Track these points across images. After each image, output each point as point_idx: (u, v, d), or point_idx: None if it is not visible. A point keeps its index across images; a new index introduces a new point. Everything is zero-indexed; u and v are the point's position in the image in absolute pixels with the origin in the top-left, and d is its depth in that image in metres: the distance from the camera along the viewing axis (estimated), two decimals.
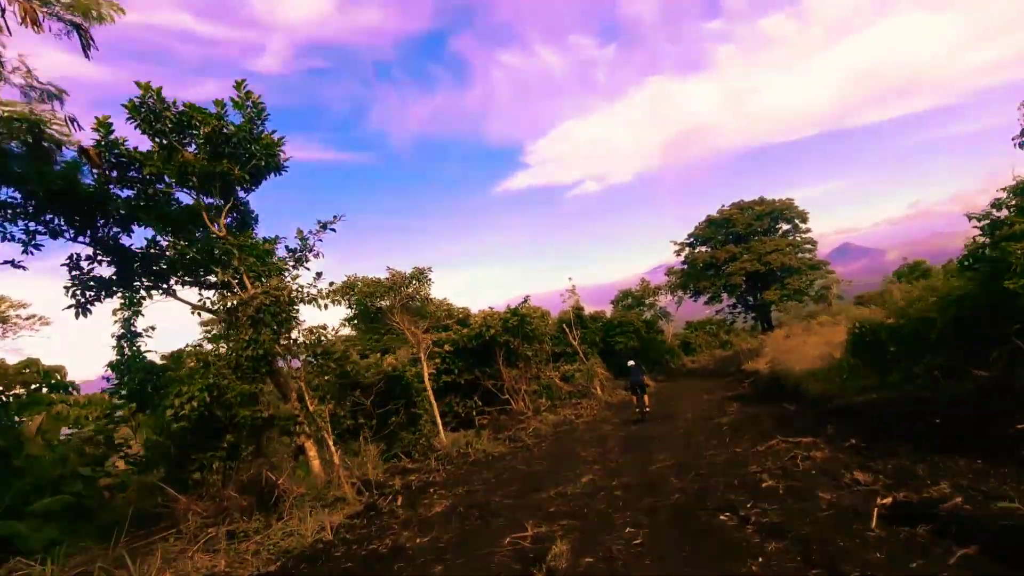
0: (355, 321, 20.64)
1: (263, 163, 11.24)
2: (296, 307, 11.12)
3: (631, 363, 20.41)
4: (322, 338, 11.74)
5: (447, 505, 10.18)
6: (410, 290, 20.13)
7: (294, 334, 11.44)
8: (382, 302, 20.08)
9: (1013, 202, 7.81)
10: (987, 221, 9.05)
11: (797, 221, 39.46)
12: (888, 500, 5.89)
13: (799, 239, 39.13)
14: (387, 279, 19.93)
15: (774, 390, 19.32)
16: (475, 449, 17.08)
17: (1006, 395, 8.42)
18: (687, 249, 42.61)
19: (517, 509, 9.12)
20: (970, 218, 9.32)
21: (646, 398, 18.56)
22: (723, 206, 41.57)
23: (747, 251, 37.76)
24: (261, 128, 11.33)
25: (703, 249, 40.78)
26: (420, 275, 20.34)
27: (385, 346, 28.28)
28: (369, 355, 21.49)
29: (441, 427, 19.23)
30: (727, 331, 70.18)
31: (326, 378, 11.18)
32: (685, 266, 43.07)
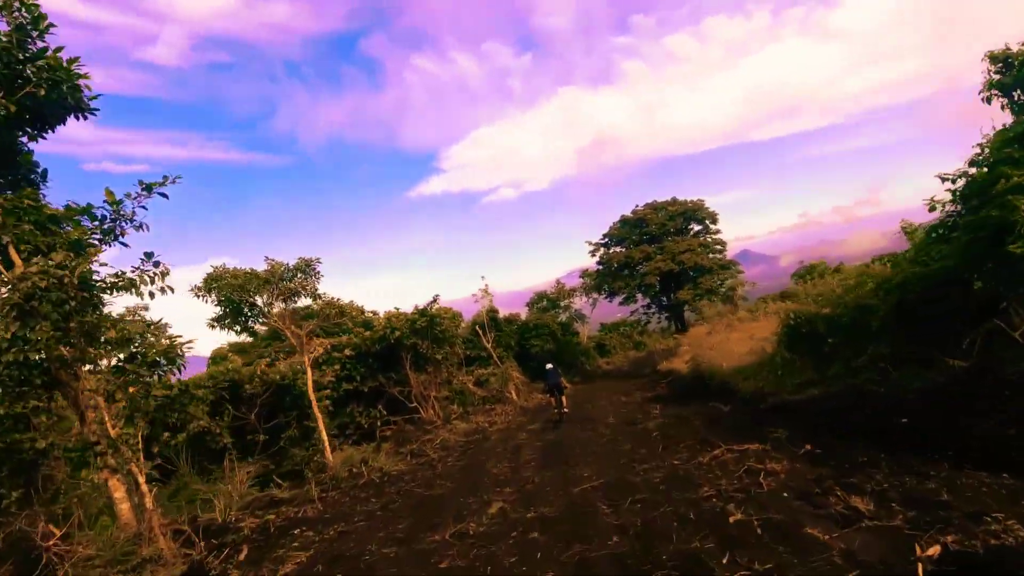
0: (226, 321, 17.21)
1: (46, 94, 8.03)
2: (97, 294, 8.05)
3: (549, 366, 20.38)
4: (144, 337, 8.68)
5: (302, 562, 7.48)
6: (292, 284, 17.03)
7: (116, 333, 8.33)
8: (257, 298, 16.81)
9: (1008, 151, 6.56)
10: (961, 182, 7.86)
11: (708, 222, 39.78)
12: (935, 550, 4.01)
13: (710, 240, 39.44)
14: (264, 271, 16.70)
15: (698, 389, 18.11)
16: (370, 468, 14.39)
17: (985, 385, 7.08)
18: (602, 249, 41.85)
19: (398, 564, 6.68)
20: (943, 179, 8.11)
21: (564, 399, 18.39)
22: (637, 206, 41.28)
23: (661, 251, 37.44)
24: (39, 45, 8.11)
25: (618, 249, 40.13)
26: (306, 267, 17.29)
27: (284, 350, 24.64)
28: (257, 362, 18.17)
29: (327, 443, 16.33)
30: (640, 332, 71.27)
31: (133, 390, 8.08)
32: (600, 267, 42.27)
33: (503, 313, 57.76)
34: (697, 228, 40.16)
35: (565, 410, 17.99)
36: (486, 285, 34.28)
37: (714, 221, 39.83)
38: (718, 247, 38.91)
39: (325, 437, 16.28)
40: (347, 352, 22.35)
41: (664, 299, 40.68)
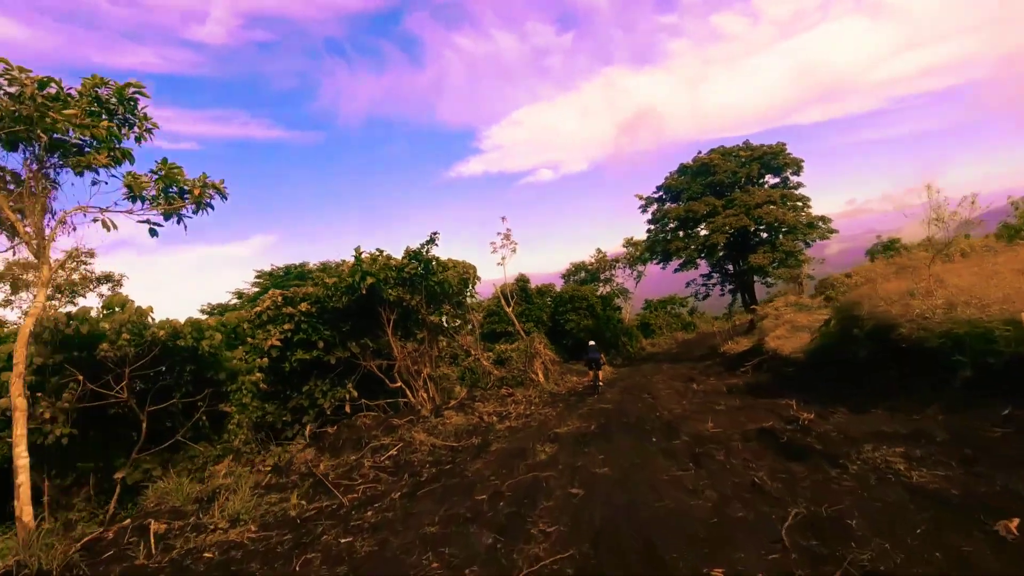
0: None
1: None
2: None
3: (592, 343, 21.12)
4: None
5: None
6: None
7: None
8: None
9: None
10: None
11: (789, 172, 31.94)
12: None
13: (792, 194, 31.61)
14: None
15: (807, 376, 11.12)
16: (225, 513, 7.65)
17: None
18: (655, 205, 34.43)
19: None
20: None
21: (600, 374, 19.70)
22: (699, 152, 33.64)
23: (731, 204, 29.90)
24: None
25: (675, 205, 32.67)
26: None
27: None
28: (129, 306, 11.96)
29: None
30: (691, 312, 63.29)
31: None
32: (653, 225, 34.91)
33: (535, 285, 51.01)
34: (773, 182, 32.31)
35: (600, 383, 19.40)
36: (508, 230, 27.32)
37: (798, 171, 31.93)
38: (799, 204, 31.05)
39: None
40: (304, 306, 16.00)
41: (731, 266, 33.11)
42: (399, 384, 16.76)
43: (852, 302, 10.14)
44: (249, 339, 16.09)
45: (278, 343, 15.34)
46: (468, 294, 21.88)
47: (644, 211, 34.86)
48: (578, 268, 57.61)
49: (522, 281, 48.34)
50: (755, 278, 32.65)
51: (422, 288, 17.52)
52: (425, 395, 17.29)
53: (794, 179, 32.13)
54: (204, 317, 21.21)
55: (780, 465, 5.71)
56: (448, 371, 19.50)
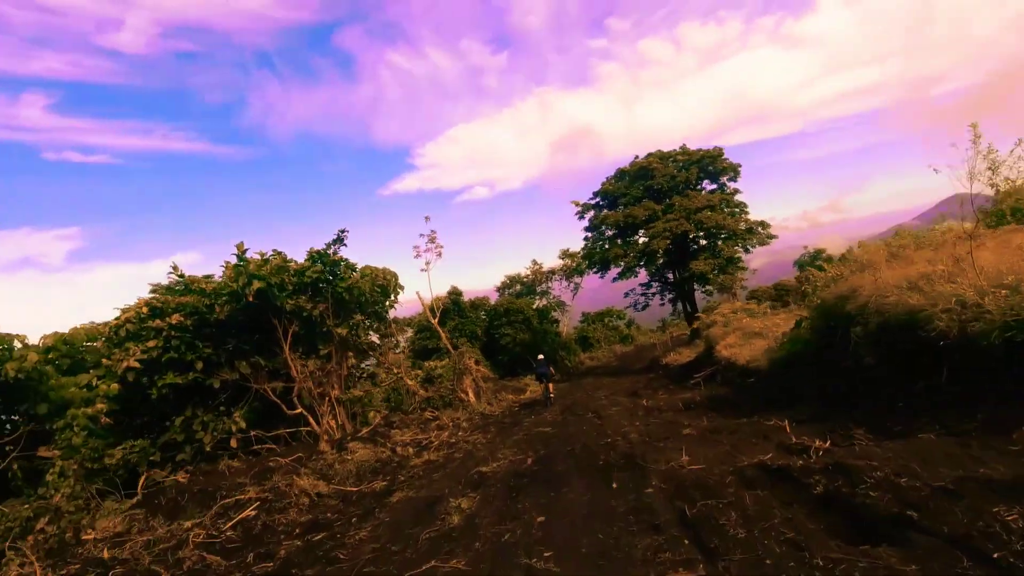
0: None
1: None
2: None
3: (540, 356, 20.84)
4: None
5: None
6: None
7: None
8: None
9: None
10: None
11: (725, 178, 31.24)
12: None
13: (731, 199, 30.82)
14: None
15: (783, 388, 9.27)
16: None
17: None
18: (591, 212, 32.85)
19: None
20: None
21: (551, 386, 19.37)
22: (637, 156, 32.42)
23: (670, 209, 28.69)
24: None
25: (613, 211, 31.16)
26: None
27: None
28: None
29: None
30: (628, 324, 62.49)
31: None
32: (590, 233, 33.30)
33: (469, 299, 48.42)
34: (711, 187, 31.49)
35: (551, 395, 19.03)
36: (432, 232, 24.80)
37: (735, 176, 31.28)
38: (737, 209, 30.30)
39: None
40: (175, 319, 12.84)
41: (671, 274, 31.89)
42: (299, 411, 13.81)
43: (840, 296, 8.30)
44: (104, 360, 12.72)
45: (137, 364, 12.11)
46: (390, 304, 19.16)
47: (581, 218, 33.25)
48: (513, 281, 55.56)
49: (455, 294, 45.68)
50: (695, 286, 31.58)
51: (328, 295, 14.69)
52: (333, 423, 14.40)
53: (731, 185, 31.43)
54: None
55: (851, 552, 3.35)
56: (363, 392, 16.63)
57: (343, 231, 14.61)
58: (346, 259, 15.08)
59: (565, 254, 56.13)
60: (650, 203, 29.72)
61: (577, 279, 56.37)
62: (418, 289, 24.71)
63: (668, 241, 28.16)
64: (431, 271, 24.19)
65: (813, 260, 52.12)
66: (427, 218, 30.37)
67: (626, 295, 36.07)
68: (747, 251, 29.52)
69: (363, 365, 19.73)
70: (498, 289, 53.98)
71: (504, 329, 43.60)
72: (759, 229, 29.91)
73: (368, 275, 16.49)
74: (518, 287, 55.06)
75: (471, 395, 18.39)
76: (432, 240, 24.40)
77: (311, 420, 13.88)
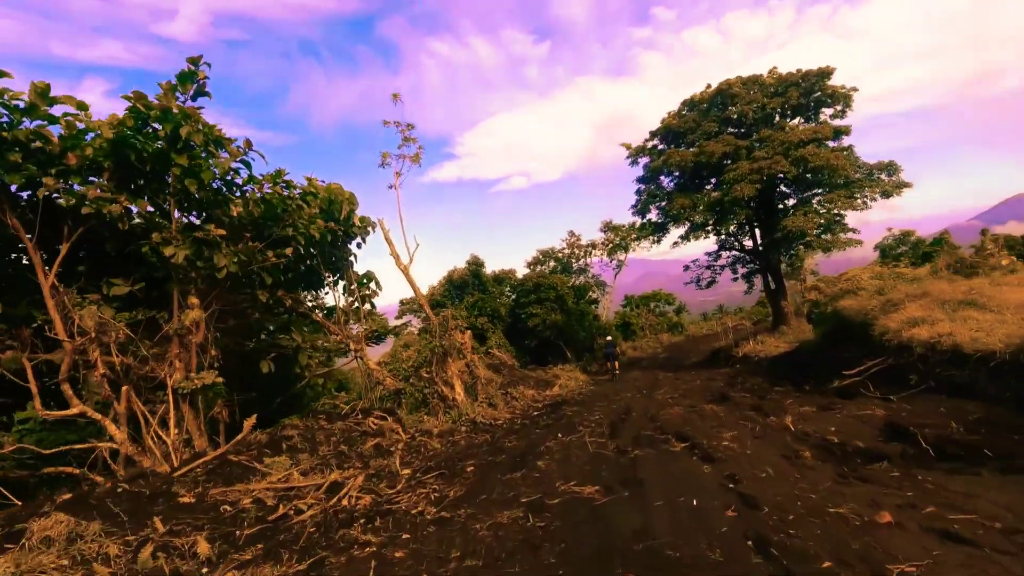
0: None
1: None
2: None
3: (608, 338, 26.03)
4: None
5: None
6: None
7: None
8: None
9: None
10: None
11: (830, 113, 22.95)
12: None
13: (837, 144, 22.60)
14: None
15: None
16: None
17: None
18: (645, 157, 25.08)
19: None
20: None
21: (616, 364, 22.25)
22: (708, 86, 24.45)
23: (761, 144, 20.83)
24: None
25: (680, 150, 23.17)
26: None
27: None
28: None
29: None
30: (678, 311, 54.24)
31: None
32: (643, 185, 25.58)
33: (492, 271, 41.11)
34: (803, 126, 23.25)
35: (616, 372, 21.72)
36: (408, 126, 17.13)
37: (844, 110, 23.02)
38: (846, 152, 22.03)
39: None
40: None
41: (748, 239, 23.95)
42: (76, 408, 6.86)
43: None
44: None
45: None
46: (351, 236, 12.16)
47: (634, 163, 25.51)
48: (546, 256, 47.80)
49: (475, 265, 38.46)
50: (780, 256, 23.51)
51: (177, 185, 7.65)
52: (171, 435, 7.40)
53: (835, 123, 23.09)
54: None
55: None
56: (214, 380, 9.73)
57: (196, 59, 7.48)
58: (220, 131, 7.97)
59: (608, 227, 48.24)
60: (730, 137, 21.81)
61: (621, 255, 48.56)
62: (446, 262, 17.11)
63: (757, 186, 20.23)
64: (398, 184, 16.42)
65: (900, 243, 42.98)
66: (396, 96, 21.27)
67: (686, 268, 28.22)
68: (865, 205, 21.26)
69: (321, 344, 12.80)
70: (528, 266, 46.25)
71: (533, 308, 36.23)
72: (881, 176, 21.61)
73: (280, 181, 9.47)
74: (551, 263, 47.23)
75: (459, 390, 11.18)
76: (407, 137, 16.80)
77: (110, 428, 6.91)
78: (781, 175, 20.34)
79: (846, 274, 16.39)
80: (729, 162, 21.50)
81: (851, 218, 23.12)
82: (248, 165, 8.53)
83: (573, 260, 46.46)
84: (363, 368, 12.93)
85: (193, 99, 7.59)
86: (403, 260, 14.51)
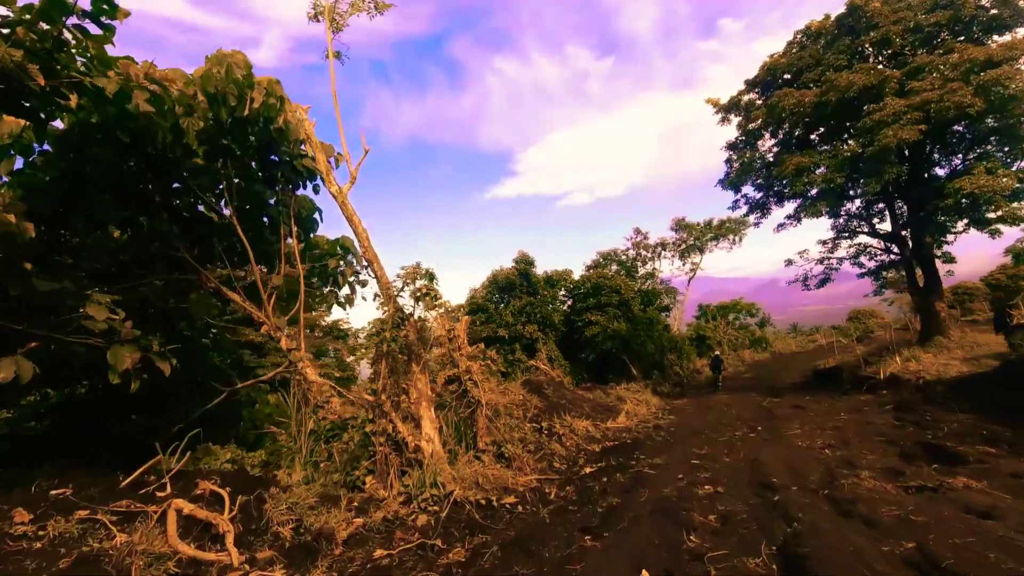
0: None
1: None
2: None
3: (716, 353, 26.01)
4: None
5: None
6: None
7: None
8: None
9: None
10: None
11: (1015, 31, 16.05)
12: None
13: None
14: None
15: None
16: None
17: None
18: (739, 113, 18.87)
19: None
20: None
21: (721, 377, 22.76)
22: (827, 16, 18.04)
23: (918, 73, 14.25)
24: None
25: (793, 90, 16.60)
26: None
27: None
28: None
29: None
30: (761, 324, 46.46)
31: None
32: (734, 153, 19.42)
33: (544, 272, 35.32)
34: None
35: (720, 384, 22.02)
36: None
37: None
38: None
39: None
40: None
41: (887, 213, 17.30)
42: None
43: None
44: None
45: None
46: (284, 159, 7.10)
47: (725, 120, 19.34)
48: (607, 258, 41.51)
49: (523, 263, 32.78)
50: (936, 238, 16.65)
51: None
52: None
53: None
54: None
55: None
56: None
57: None
58: None
59: (679, 225, 41.63)
60: (872, 65, 15.43)
61: (695, 257, 41.68)
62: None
63: (921, 127, 13.72)
64: (345, 53, 10.00)
65: None
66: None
67: (787, 263, 21.77)
68: None
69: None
70: (587, 269, 39.72)
71: (591, 315, 30.24)
72: None
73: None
74: (613, 267, 40.84)
75: (428, 429, 5.62)
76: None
77: None
78: (959, 115, 13.64)
79: None
80: (870, 92, 15.02)
81: None
82: None
83: (639, 263, 40.07)
84: (301, 382, 7.70)
85: None
86: (316, 161, 8.98)
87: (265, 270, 8.65)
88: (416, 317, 6.38)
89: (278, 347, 8.27)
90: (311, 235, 8.76)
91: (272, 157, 7.55)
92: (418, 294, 6.28)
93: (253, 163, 7.57)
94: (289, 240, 8.45)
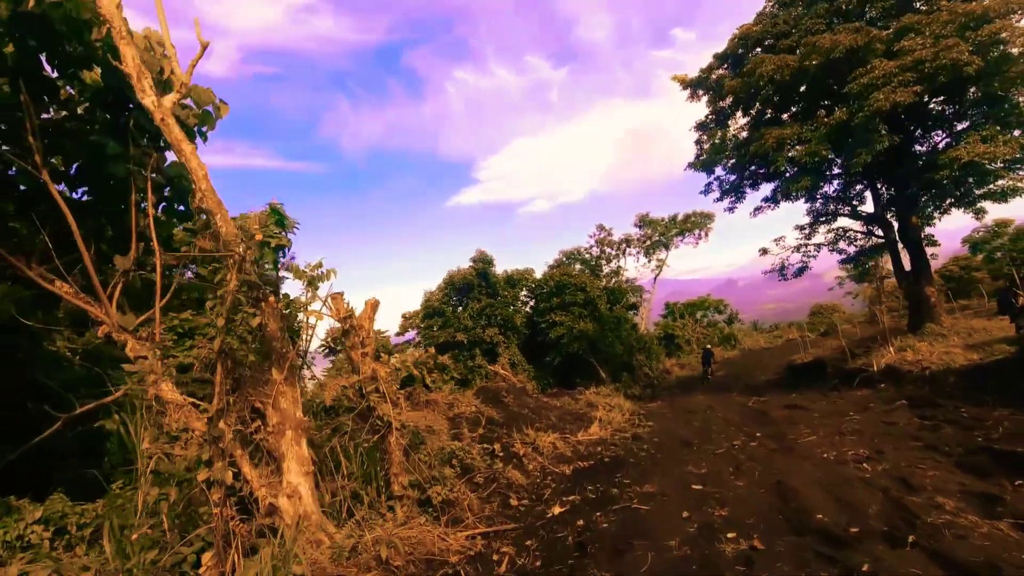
0: None
1: None
2: None
3: (708, 347, 27.14)
4: None
5: None
6: None
7: None
8: None
9: None
10: None
11: None
12: None
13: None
14: None
15: None
16: None
17: None
18: (708, 88, 17.23)
19: None
20: None
21: (711, 370, 24.13)
22: None
23: (908, 31, 12.82)
24: None
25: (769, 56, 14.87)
26: None
27: None
28: None
29: None
30: (729, 320, 45.30)
31: None
32: (703, 133, 17.86)
33: (504, 271, 33.07)
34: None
35: (710, 377, 23.67)
36: None
37: None
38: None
39: None
40: None
41: (883, 186, 15.90)
42: None
43: None
44: None
45: None
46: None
47: (694, 97, 17.71)
48: (571, 257, 39.83)
49: (481, 263, 30.55)
50: (931, 212, 15.35)
51: None
52: None
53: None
54: None
55: None
56: None
57: None
58: None
59: (643, 221, 40.18)
60: (852, 25, 13.95)
61: (661, 254, 40.23)
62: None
63: (916, 89, 12.26)
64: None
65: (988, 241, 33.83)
66: None
67: (761, 252, 20.30)
68: None
69: None
70: (550, 268, 37.61)
71: (556, 315, 28.40)
72: None
73: None
74: (578, 266, 38.97)
75: (295, 478, 3.46)
76: None
77: None
78: (955, 76, 12.21)
79: None
80: (857, 54, 13.52)
81: None
82: None
83: (604, 261, 38.40)
84: (153, 403, 5.36)
85: None
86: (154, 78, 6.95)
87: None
88: (291, 299, 4.22)
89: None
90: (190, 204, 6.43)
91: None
92: (257, 252, 4.03)
93: (70, 88, 5.22)
94: (144, 206, 6.11)
